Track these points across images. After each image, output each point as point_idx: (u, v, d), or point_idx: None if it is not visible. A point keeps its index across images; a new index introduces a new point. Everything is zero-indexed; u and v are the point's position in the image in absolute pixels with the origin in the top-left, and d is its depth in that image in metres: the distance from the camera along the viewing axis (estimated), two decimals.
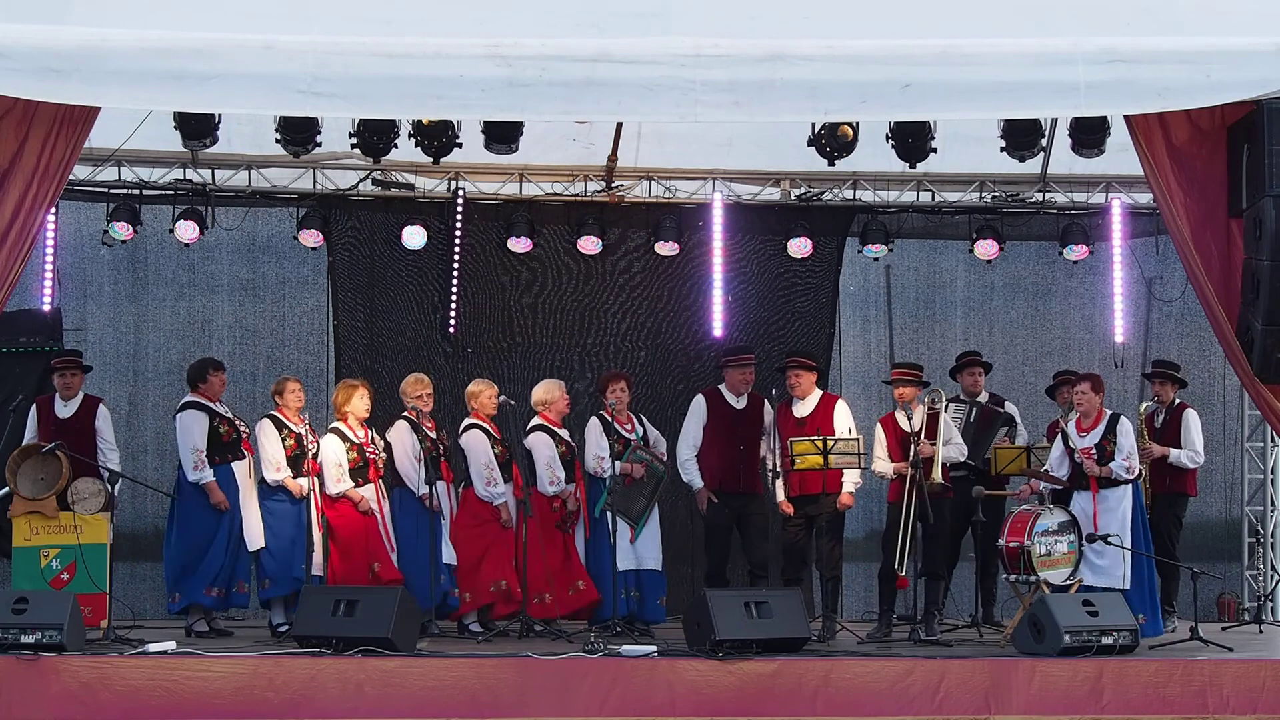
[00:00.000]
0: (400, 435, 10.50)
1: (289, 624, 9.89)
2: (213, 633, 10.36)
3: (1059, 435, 10.47)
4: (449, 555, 10.39)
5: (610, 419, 10.66)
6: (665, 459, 10.77)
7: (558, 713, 8.62)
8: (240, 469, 10.43)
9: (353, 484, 10.31)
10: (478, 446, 10.51)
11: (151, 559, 11.87)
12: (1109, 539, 10.05)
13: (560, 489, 10.49)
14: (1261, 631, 11.28)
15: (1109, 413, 10.36)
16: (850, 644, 10.06)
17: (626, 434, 10.68)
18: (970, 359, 11.53)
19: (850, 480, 10.39)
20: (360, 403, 10.53)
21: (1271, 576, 12.66)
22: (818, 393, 10.72)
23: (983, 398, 11.43)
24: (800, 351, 11.16)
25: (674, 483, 10.92)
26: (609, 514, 10.31)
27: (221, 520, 10.29)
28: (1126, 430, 10.27)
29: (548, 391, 10.75)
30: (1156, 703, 8.77)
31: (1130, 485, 10.25)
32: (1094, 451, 10.22)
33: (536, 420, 10.66)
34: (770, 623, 9.10)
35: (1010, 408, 11.52)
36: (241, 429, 10.54)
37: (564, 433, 10.70)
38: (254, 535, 10.36)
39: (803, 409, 10.58)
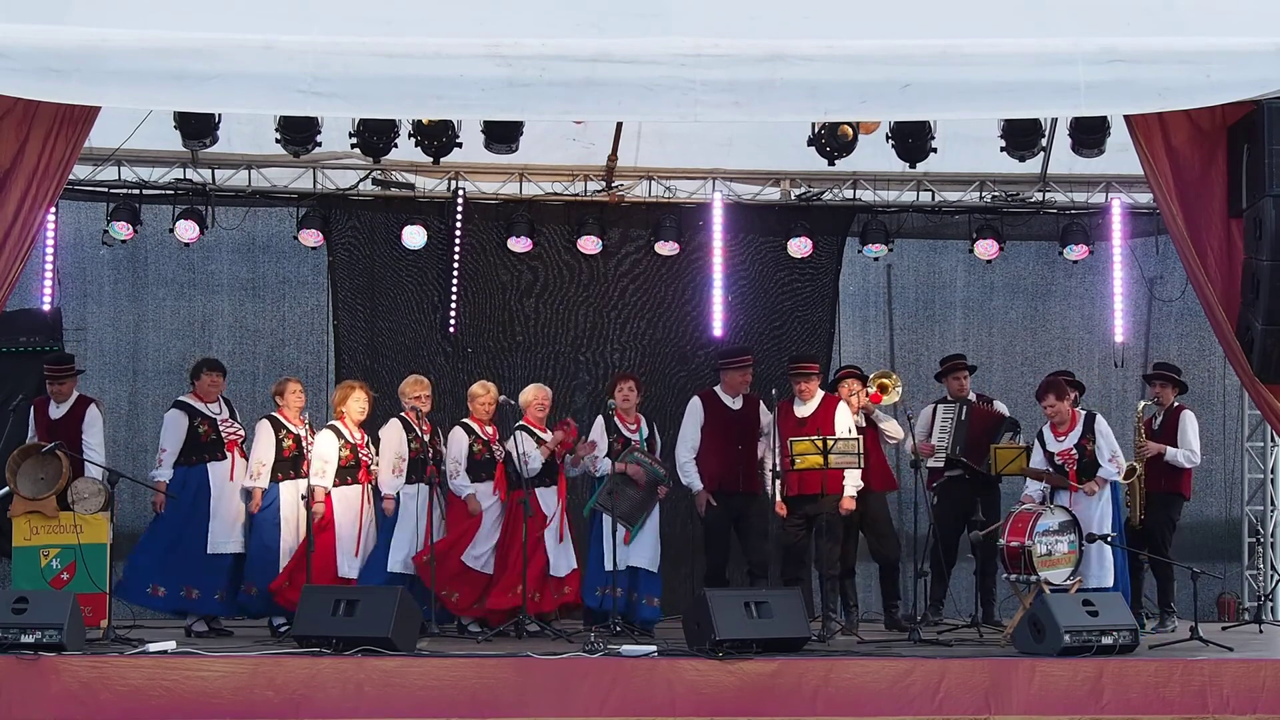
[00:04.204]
0: (388, 434, 10.52)
1: (289, 624, 9.89)
2: (212, 633, 10.36)
3: (1035, 439, 10.53)
4: (395, 561, 10.35)
5: (615, 418, 10.65)
6: (666, 466, 10.77)
7: (558, 713, 8.61)
8: (218, 470, 10.44)
9: (329, 484, 10.32)
10: (454, 441, 10.55)
11: None
12: (1109, 539, 10.07)
13: (531, 470, 10.43)
14: (1261, 631, 11.28)
15: (1084, 413, 10.43)
16: (850, 644, 10.06)
17: (629, 433, 10.68)
18: (955, 363, 11.55)
19: (851, 484, 10.41)
20: (356, 404, 10.54)
21: (1271, 576, 12.65)
22: (819, 393, 10.74)
23: (970, 399, 11.43)
24: (804, 356, 11.17)
25: (673, 483, 10.91)
26: (599, 514, 10.32)
27: (186, 522, 10.30)
28: (1105, 430, 10.34)
29: (524, 395, 10.71)
30: (1156, 703, 8.77)
31: (1108, 485, 10.29)
32: (1074, 452, 10.27)
33: (519, 423, 10.63)
34: (770, 623, 9.09)
35: (999, 406, 11.53)
36: (227, 430, 10.52)
37: (546, 435, 10.65)
38: (222, 538, 10.37)
39: (804, 409, 10.60)
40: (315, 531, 10.20)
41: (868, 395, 10.96)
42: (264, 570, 10.30)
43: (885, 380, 10.96)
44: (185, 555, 10.32)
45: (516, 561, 10.18)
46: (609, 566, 10.26)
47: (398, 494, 10.40)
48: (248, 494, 10.40)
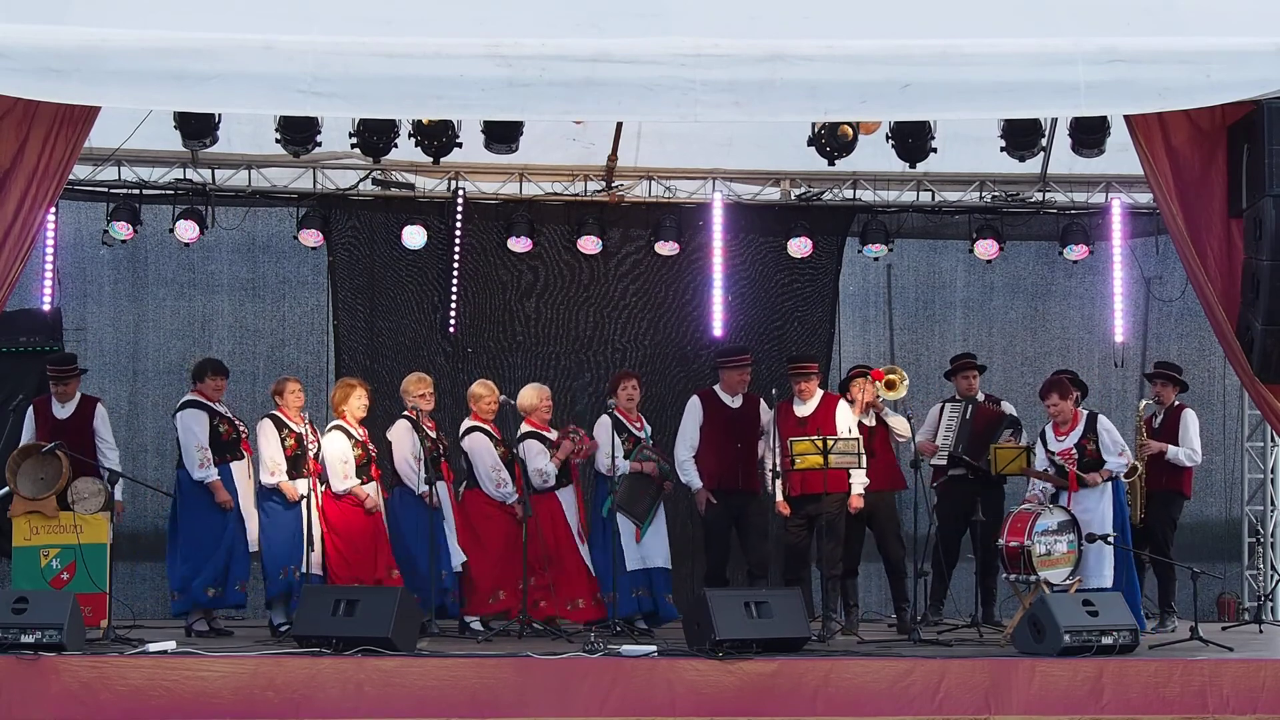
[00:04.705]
0: (400, 435, 10.50)
1: (289, 624, 9.89)
2: (213, 633, 10.35)
3: (1038, 439, 10.54)
4: (456, 559, 10.38)
5: (621, 417, 10.65)
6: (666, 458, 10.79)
7: (558, 713, 8.61)
8: (239, 469, 10.42)
9: (359, 481, 10.31)
10: (482, 448, 10.51)
11: (151, 559, 11.87)
12: (1109, 539, 10.07)
13: (547, 481, 10.50)
14: (1261, 631, 11.28)
15: (1085, 412, 10.45)
16: (850, 644, 10.06)
17: (636, 432, 10.69)
18: (965, 362, 11.56)
19: (859, 482, 10.42)
20: (357, 402, 10.53)
21: (1271, 576, 12.66)
22: (819, 393, 10.75)
23: (978, 398, 11.45)
24: (804, 356, 11.17)
25: (674, 483, 10.91)
26: (613, 517, 10.33)
27: (224, 519, 10.28)
28: (1108, 426, 10.36)
29: (526, 398, 10.69)
30: (1156, 703, 8.77)
31: (1110, 484, 10.29)
32: (1074, 452, 10.29)
33: (525, 428, 10.61)
34: (770, 623, 9.09)
35: (1006, 406, 11.55)
36: (241, 429, 10.54)
37: (552, 435, 10.68)
38: (252, 536, 10.36)
39: (804, 409, 10.60)
40: (361, 527, 10.26)
41: (871, 388, 10.93)
42: (271, 566, 10.29)
43: (893, 376, 10.93)
44: (223, 554, 10.29)
45: (554, 563, 10.25)
46: (631, 567, 10.29)
47: (432, 489, 10.35)
48: (275, 490, 10.33)
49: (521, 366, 12.55)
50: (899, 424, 10.94)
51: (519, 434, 10.55)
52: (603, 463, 10.57)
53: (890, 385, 10.78)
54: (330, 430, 10.47)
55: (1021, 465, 10.66)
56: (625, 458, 10.48)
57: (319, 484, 10.31)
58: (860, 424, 10.71)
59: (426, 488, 10.27)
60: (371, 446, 10.52)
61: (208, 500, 10.27)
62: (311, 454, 10.31)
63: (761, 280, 12.79)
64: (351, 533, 10.28)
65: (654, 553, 10.59)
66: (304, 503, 10.09)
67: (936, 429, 11.39)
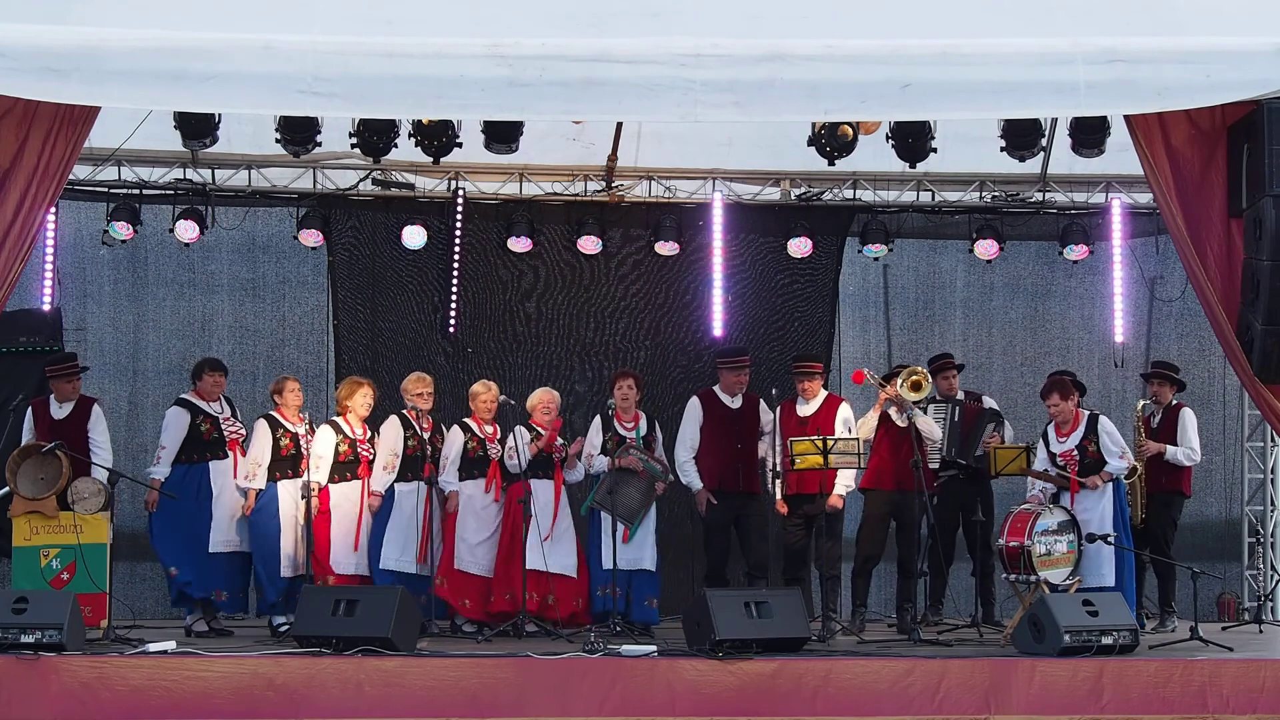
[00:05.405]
0: (385, 431, 10.53)
1: (289, 624, 9.89)
2: (213, 633, 10.36)
3: (1040, 440, 10.53)
4: (394, 561, 10.36)
5: (610, 415, 10.66)
6: (664, 463, 10.76)
7: (557, 713, 8.61)
8: (219, 468, 10.43)
9: (323, 478, 10.29)
10: (450, 439, 10.57)
11: (152, 559, 11.86)
12: (1108, 539, 10.07)
13: (514, 459, 10.44)
14: (1261, 631, 11.28)
15: (1087, 413, 10.45)
16: (850, 644, 10.06)
17: (625, 431, 10.68)
18: (944, 362, 11.55)
19: (842, 482, 10.41)
20: (362, 400, 10.55)
21: (1271, 576, 12.66)
22: (822, 393, 10.76)
23: (959, 397, 11.43)
24: (809, 356, 11.17)
25: (673, 483, 10.90)
26: (597, 513, 10.32)
27: (188, 519, 10.30)
28: (1109, 428, 10.35)
29: (529, 398, 10.72)
30: (1156, 703, 8.77)
31: (1110, 485, 10.29)
32: (1075, 453, 10.29)
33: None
34: (770, 622, 9.10)
35: (989, 401, 11.54)
36: (229, 429, 10.52)
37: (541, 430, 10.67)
38: (222, 538, 10.35)
39: (806, 409, 10.62)
40: (314, 527, 10.22)
41: (877, 384, 10.87)
42: (266, 569, 10.30)
43: (917, 376, 10.76)
44: (198, 553, 10.31)
45: (512, 563, 10.18)
46: (607, 566, 10.25)
47: (392, 491, 10.39)
48: (244, 494, 10.39)
49: (521, 366, 12.56)
50: (929, 427, 10.87)
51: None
52: (580, 465, 10.61)
53: (916, 386, 10.67)
54: (323, 424, 10.50)
55: (1021, 465, 10.66)
56: (602, 454, 10.49)
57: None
58: (893, 422, 10.67)
59: (379, 488, 10.33)
60: (364, 445, 10.51)
61: (191, 496, 10.32)
62: (308, 452, 10.33)
63: (761, 280, 12.80)
64: (324, 528, 10.31)
65: (640, 555, 10.55)
66: (304, 504, 10.10)
67: None
